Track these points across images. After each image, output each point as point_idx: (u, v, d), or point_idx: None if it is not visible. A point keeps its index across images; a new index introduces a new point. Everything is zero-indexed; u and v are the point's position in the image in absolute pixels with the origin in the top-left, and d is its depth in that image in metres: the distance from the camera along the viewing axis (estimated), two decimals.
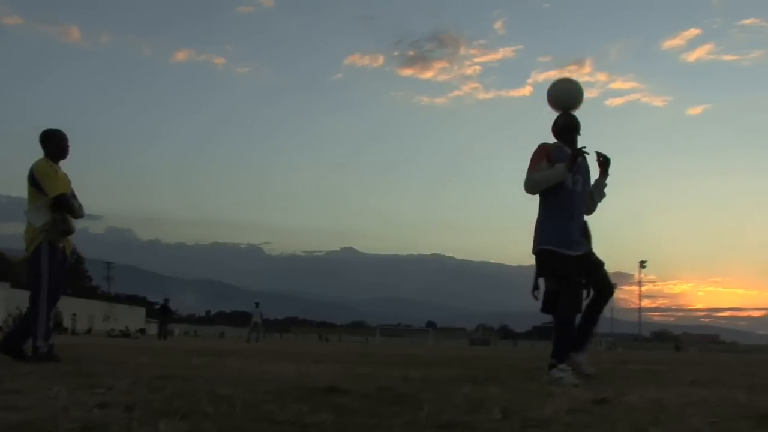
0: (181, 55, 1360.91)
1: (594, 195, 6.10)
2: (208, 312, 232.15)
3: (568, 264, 5.75)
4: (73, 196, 6.77)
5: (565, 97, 6.08)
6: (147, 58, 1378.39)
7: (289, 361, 8.48)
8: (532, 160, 5.87)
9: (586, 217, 6.33)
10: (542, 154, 5.87)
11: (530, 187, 5.87)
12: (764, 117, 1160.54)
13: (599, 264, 6.71)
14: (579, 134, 6.05)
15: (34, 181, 6.49)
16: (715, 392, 4.81)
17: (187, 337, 66.43)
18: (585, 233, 6.40)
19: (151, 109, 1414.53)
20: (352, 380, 5.09)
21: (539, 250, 5.95)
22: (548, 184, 5.79)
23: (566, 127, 6.01)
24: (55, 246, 6.53)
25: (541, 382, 5.49)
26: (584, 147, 5.81)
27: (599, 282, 6.68)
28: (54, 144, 6.70)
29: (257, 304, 35.32)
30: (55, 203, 6.47)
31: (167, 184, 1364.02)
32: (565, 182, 5.79)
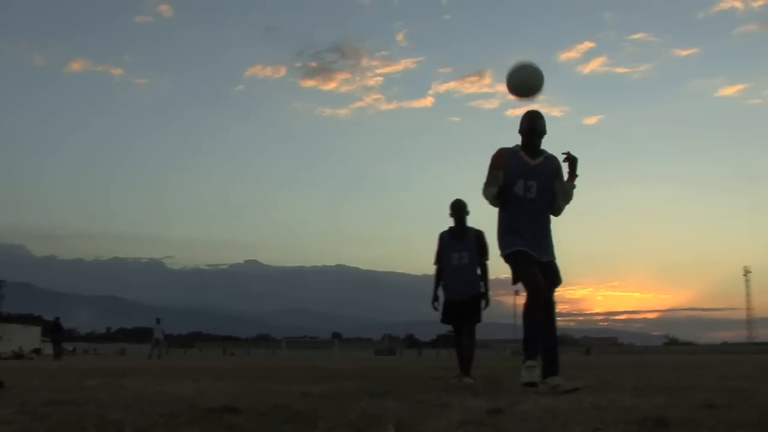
0: (76, 65, 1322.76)
1: (558, 197, 5.83)
2: (108, 329, 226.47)
3: (525, 259, 5.66)
4: None
5: (521, 85, 5.83)
6: (40, 67, 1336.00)
7: (189, 379, 8.35)
8: (488, 168, 5.80)
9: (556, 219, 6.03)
10: (496, 162, 5.81)
11: (486, 199, 5.85)
12: (652, 128, 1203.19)
13: (556, 281, 5.92)
14: (539, 136, 5.91)
15: None
16: (605, 397, 4.95)
17: (86, 356, 64.60)
18: (547, 241, 5.93)
19: (44, 121, 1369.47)
20: (251, 397, 5.05)
21: (504, 257, 5.87)
22: (495, 202, 5.81)
23: (522, 131, 5.89)
24: None
25: (438, 392, 5.55)
26: (568, 152, 5.77)
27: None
28: None
29: (158, 320, 34.71)
30: None
31: (63, 197, 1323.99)
32: (515, 190, 5.74)
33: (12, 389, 6.26)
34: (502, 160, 5.78)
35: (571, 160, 5.74)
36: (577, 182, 5.80)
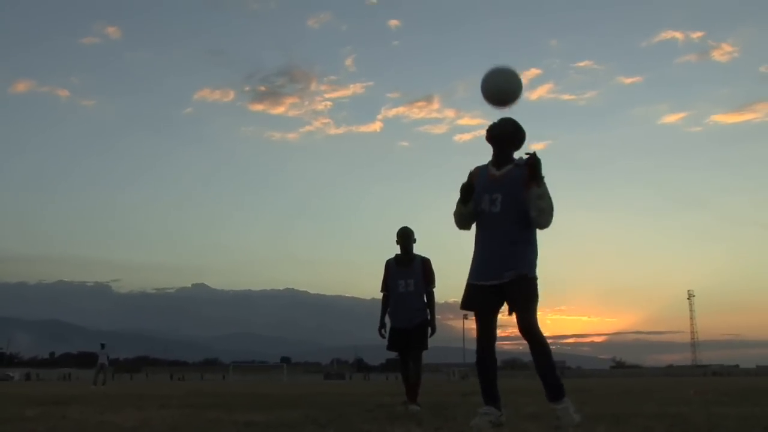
0: (21, 86, 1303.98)
1: (530, 210, 5.03)
2: (52, 354, 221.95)
3: (475, 295, 5.19)
4: None
5: (495, 92, 5.26)
6: None
7: (133, 407, 8.24)
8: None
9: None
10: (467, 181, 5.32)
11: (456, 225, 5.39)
12: (598, 154, 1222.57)
13: (523, 298, 5.09)
14: (497, 143, 5.33)
15: None
16: (547, 425, 5.02)
17: (28, 382, 63.15)
18: (508, 254, 5.17)
19: None
20: (194, 429, 5.00)
21: None
22: (462, 219, 5.34)
23: (489, 137, 5.40)
24: None
25: (382, 422, 5.55)
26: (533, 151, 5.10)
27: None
28: None
29: (103, 345, 34.02)
30: None
31: (6, 220, 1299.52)
32: (481, 207, 5.26)
33: None
34: (473, 178, 5.31)
35: (529, 163, 5.04)
36: (544, 187, 5.08)
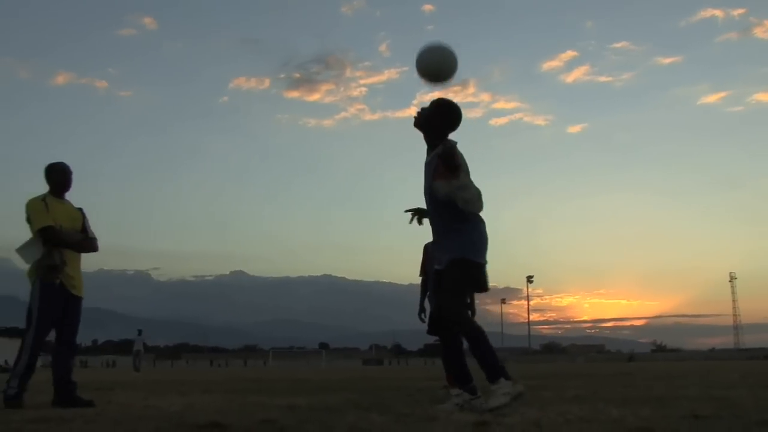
0: (61, 78, 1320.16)
1: (457, 202, 4.90)
2: (95, 341, 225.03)
3: (434, 281, 5.24)
4: (84, 229, 6.48)
5: (429, 69, 5.09)
6: (25, 80, 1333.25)
7: (176, 393, 8.33)
8: (455, 163, 4.86)
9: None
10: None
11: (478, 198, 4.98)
12: (636, 136, 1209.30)
13: (442, 288, 5.08)
14: (421, 128, 5.24)
15: (28, 218, 6.26)
16: (591, 408, 4.98)
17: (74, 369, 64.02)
18: (443, 244, 5.16)
19: (30, 134, 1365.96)
20: (237, 412, 5.04)
21: None
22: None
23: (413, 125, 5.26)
24: (48, 284, 6.15)
25: (425, 405, 5.55)
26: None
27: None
28: (52, 178, 6.44)
29: (140, 332, 34.38)
30: (42, 237, 6.17)
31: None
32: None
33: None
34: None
35: (438, 154, 4.97)
36: (464, 176, 4.89)
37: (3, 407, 5.83)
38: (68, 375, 6.33)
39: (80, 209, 6.62)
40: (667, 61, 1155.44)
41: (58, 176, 6.49)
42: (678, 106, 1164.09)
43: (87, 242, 6.53)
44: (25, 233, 6.36)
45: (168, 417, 4.71)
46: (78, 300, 6.45)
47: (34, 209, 6.26)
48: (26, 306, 6.24)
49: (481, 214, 5.04)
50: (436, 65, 5.09)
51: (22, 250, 6.27)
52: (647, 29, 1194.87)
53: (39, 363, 6.37)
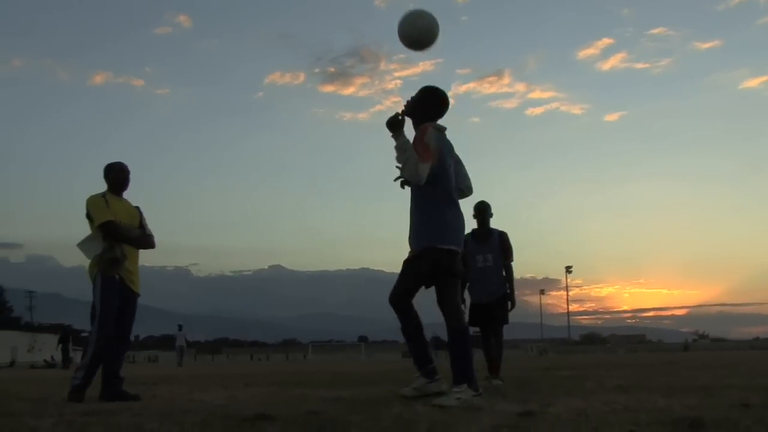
0: (99, 78, 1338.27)
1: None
2: (136, 337, 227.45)
3: None
4: (141, 226, 6.66)
5: (412, 34, 5.17)
6: (64, 81, 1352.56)
7: (219, 386, 8.39)
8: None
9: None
10: None
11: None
12: (674, 123, 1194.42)
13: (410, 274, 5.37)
14: (417, 116, 5.28)
15: (88, 214, 6.44)
16: (636, 397, 4.94)
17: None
18: (414, 229, 5.36)
19: (70, 133, 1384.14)
20: (282, 404, 5.07)
21: None
22: None
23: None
24: (109, 277, 6.32)
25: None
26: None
27: None
28: (110, 177, 6.64)
29: (180, 327, 34.54)
30: (103, 232, 6.34)
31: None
32: None
33: (45, 401, 6.33)
34: None
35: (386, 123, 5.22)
36: (402, 138, 5.22)
37: (66, 398, 6.07)
38: (118, 370, 6.47)
39: (137, 207, 6.80)
40: (706, 45, 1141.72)
41: (116, 175, 6.67)
42: (718, 91, 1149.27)
43: (145, 238, 6.69)
44: (79, 230, 6.58)
45: (213, 409, 4.75)
46: (135, 296, 6.62)
47: (94, 205, 6.43)
48: (83, 303, 6.40)
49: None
50: (419, 31, 5.15)
51: (84, 245, 6.42)
52: (685, 14, 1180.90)
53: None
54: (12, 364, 58.04)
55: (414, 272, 5.22)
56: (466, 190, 5.51)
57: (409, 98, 5.30)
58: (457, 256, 5.11)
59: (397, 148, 5.12)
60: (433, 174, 4.99)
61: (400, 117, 5.21)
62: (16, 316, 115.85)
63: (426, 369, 5.40)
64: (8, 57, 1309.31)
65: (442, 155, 5.06)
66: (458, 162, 5.41)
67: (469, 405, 4.55)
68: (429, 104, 5.27)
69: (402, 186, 5.30)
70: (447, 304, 5.11)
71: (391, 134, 5.17)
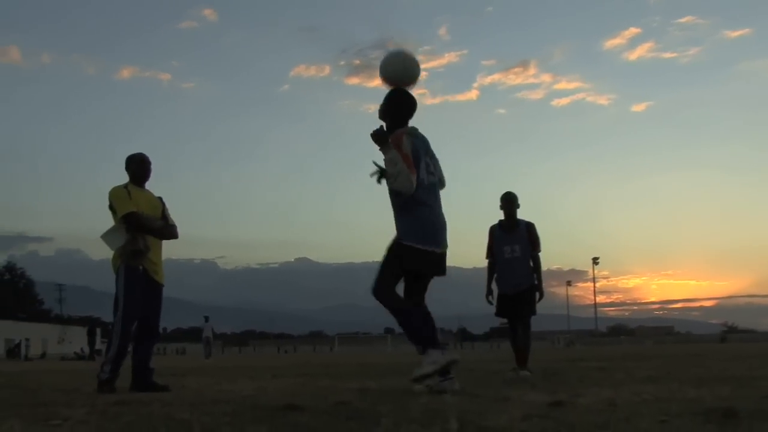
0: (125, 72, 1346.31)
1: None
2: (164, 329, 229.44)
3: None
4: (164, 217, 6.73)
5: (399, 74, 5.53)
6: (91, 76, 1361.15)
7: (247, 378, 8.44)
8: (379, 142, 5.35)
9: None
10: None
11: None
12: (702, 112, 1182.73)
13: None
14: (390, 118, 5.51)
15: (111, 206, 6.51)
16: (666, 388, 4.90)
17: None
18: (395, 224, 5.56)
19: (97, 127, 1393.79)
20: (310, 395, 5.09)
21: None
22: None
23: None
24: (132, 268, 6.39)
25: (496, 386, 5.53)
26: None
27: None
28: (131, 168, 6.71)
29: (207, 318, 34.39)
30: (126, 223, 6.40)
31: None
32: None
33: (77, 391, 6.42)
34: None
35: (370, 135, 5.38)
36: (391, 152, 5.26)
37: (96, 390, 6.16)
38: (147, 361, 6.53)
39: (160, 198, 6.84)
40: (736, 34, 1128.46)
41: (138, 166, 6.72)
42: (747, 80, 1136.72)
43: (168, 229, 6.75)
44: (103, 222, 6.61)
45: (242, 400, 4.78)
46: (160, 287, 6.67)
47: (117, 197, 6.47)
48: (112, 295, 6.47)
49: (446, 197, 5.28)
50: (401, 72, 5.49)
51: (107, 236, 6.47)
52: (714, 2, 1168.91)
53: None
54: (43, 355, 58.80)
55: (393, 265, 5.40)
56: (440, 184, 5.69)
57: (379, 106, 5.55)
58: (414, 253, 5.31)
59: (387, 160, 5.22)
60: None
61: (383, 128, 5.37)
62: (47, 309, 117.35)
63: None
64: (38, 52, 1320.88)
65: (416, 159, 5.25)
66: (433, 157, 5.58)
67: (444, 363, 5.03)
68: (396, 108, 5.49)
69: (378, 181, 5.42)
70: (379, 290, 5.35)
71: (378, 148, 5.29)
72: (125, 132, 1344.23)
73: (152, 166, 6.79)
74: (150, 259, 6.51)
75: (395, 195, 5.34)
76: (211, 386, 6.72)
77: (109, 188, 6.58)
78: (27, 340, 56.09)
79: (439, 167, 5.64)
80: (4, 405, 4.82)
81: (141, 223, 6.42)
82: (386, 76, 5.50)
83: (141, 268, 6.42)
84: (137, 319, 6.48)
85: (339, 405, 4.11)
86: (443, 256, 5.51)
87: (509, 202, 8.22)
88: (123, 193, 6.48)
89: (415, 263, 5.33)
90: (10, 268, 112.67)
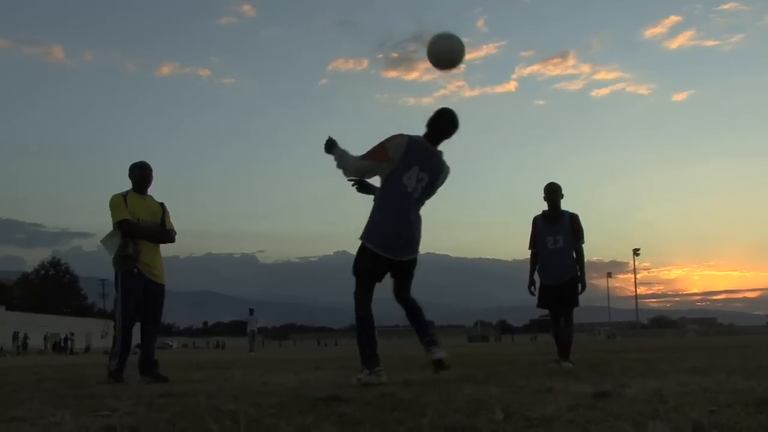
0: (166, 69, 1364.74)
1: None
2: (205, 323, 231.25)
3: None
4: (162, 222, 7.21)
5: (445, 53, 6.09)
6: (132, 73, 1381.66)
7: (289, 371, 8.48)
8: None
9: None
10: None
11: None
12: (745, 100, 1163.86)
13: None
14: (439, 132, 5.76)
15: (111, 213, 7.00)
16: (713, 379, 4.84)
17: (185, 350, 66.13)
18: None
19: (138, 124, 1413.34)
20: (354, 387, 5.10)
21: None
22: None
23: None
24: (128, 271, 6.88)
25: (540, 377, 5.50)
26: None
27: None
28: (134, 176, 7.23)
29: (251, 311, 34.28)
30: (119, 230, 6.89)
31: (158, 197, 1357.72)
32: None
33: (125, 382, 6.63)
34: None
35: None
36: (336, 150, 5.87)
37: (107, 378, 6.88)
38: (151, 355, 7.17)
39: (161, 204, 7.34)
40: None
41: (137, 174, 7.24)
42: None
43: (163, 233, 7.23)
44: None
45: (286, 391, 4.81)
46: (159, 287, 7.20)
47: (113, 204, 6.98)
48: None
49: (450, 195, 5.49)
50: (449, 54, 6.01)
51: (105, 241, 6.97)
52: None
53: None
54: (87, 349, 59.72)
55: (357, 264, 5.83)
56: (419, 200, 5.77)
57: None
58: (366, 254, 5.65)
59: (336, 159, 5.71)
60: (385, 175, 5.55)
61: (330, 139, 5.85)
62: (90, 304, 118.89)
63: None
64: (80, 51, 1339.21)
65: (404, 162, 5.46)
66: (430, 182, 5.67)
67: (366, 382, 5.27)
68: (431, 124, 5.71)
69: (358, 191, 5.84)
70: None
71: (333, 157, 5.74)
72: (166, 128, 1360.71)
73: (159, 171, 7.42)
74: (144, 261, 6.97)
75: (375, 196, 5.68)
76: (254, 378, 6.77)
77: (154, 183, 7.29)
78: (72, 334, 57.03)
79: (430, 191, 5.73)
80: (53, 396, 4.92)
81: (133, 230, 6.91)
82: (432, 53, 5.97)
83: (136, 270, 6.90)
84: (137, 317, 7.06)
85: (383, 396, 4.11)
86: (400, 263, 5.73)
87: (553, 192, 8.15)
88: (119, 201, 6.98)
89: (366, 264, 5.64)
90: (54, 263, 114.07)
